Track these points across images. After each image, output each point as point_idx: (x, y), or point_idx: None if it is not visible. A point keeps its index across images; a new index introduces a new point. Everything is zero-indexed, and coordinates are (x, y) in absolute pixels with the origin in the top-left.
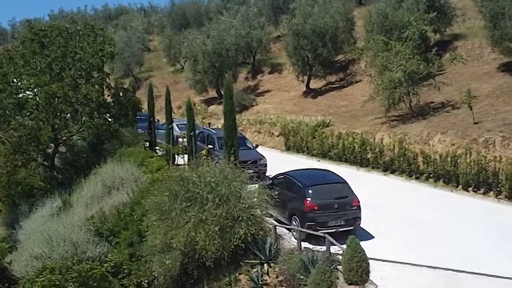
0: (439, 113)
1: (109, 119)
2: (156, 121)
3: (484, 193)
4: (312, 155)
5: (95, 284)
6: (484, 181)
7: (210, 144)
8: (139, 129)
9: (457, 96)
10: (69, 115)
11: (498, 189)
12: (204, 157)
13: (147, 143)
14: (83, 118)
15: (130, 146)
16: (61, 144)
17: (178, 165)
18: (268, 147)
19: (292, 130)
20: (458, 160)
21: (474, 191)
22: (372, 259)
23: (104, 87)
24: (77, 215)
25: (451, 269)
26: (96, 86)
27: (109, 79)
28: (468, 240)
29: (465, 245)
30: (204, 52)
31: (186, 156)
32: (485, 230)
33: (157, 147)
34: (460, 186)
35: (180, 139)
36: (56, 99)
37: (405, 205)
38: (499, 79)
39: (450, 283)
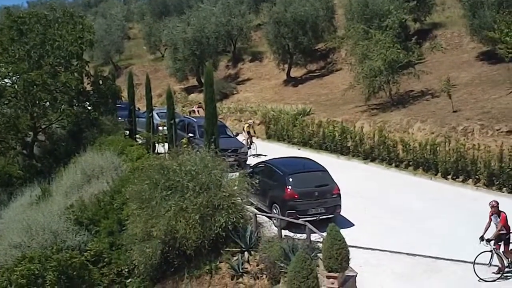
0: (418, 102)
1: (89, 107)
2: (136, 109)
3: (463, 181)
4: (293, 143)
5: (74, 273)
6: (462, 169)
7: (190, 133)
8: (119, 118)
9: (437, 84)
10: (48, 103)
11: (477, 177)
12: (185, 145)
13: (127, 132)
14: (62, 106)
15: (110, 134)
16: (40, 133)
17: (158, 153)
18: None
19: (273, 119)
20: (437, 148)
21: (453, 179)
22: (352, 246)
23: (84, 75)
24: (57, 204)
25: (429, 256)
26: (76, 74)
27: (88, 67)
28: (447, 227)
29: (444, 233)
30: (184, 40)
31: (166, 144)
32: (464, 217)
33: (137, 136)
34: (439, 174)
35: (160, 128)
36: (34, 87)
37: (384, 193)
38: (478, 67)
39: (429, 269)
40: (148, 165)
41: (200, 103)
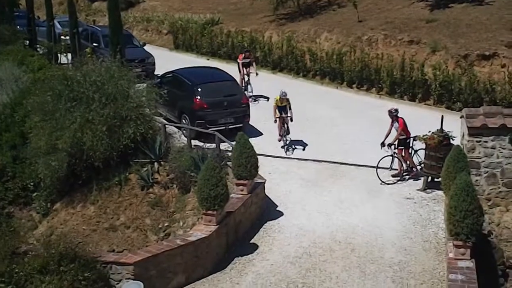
0: (326, 12)
1: None
2: (36, 18)
3: (367, 90)
4: (202, 54)
5: None
6: (367, 78)
7: (95, 42)
8: (18, 27)
9: None
10: None
11: (380, 85)
12: (89, 55)
13: (27, 41)
14: None
15: (8, 44)
16: None
17: (61, 64)
18: (156, 45)
19: (181, 28)
20: (343, 58)
21: (357, 88)
22: (261, 155)
23: None
24: None
25: (335, 162)
26: None
27: None
28: (352, 134)
29: (349, 139)
30: None
31: (69, 54)
32: (367, 125)
33: (38, 46)
34: (345, 83)
35: (62, 37)
36: None
37: (292, 103)
38: None
39: (334, 174)
40: (50, 76)
41: (247, 50)
